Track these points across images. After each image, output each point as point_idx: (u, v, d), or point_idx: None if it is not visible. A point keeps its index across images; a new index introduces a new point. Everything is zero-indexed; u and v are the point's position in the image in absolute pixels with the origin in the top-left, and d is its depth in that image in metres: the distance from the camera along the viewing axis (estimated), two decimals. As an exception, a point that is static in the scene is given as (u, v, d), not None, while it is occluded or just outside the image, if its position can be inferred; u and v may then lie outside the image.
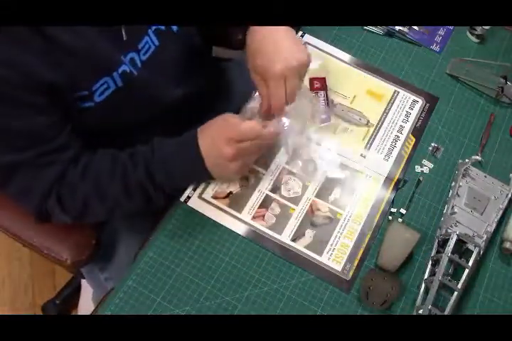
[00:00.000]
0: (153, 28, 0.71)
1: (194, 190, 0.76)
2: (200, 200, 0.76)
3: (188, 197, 0.76)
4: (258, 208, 0.76)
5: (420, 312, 0.69)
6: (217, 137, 0.66)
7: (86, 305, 1.19)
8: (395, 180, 0.82)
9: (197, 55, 0.81)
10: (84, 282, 1.20)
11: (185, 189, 0.76)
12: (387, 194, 0.80)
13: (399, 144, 0.86)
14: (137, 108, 0.74)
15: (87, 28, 0.61)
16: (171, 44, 0.74)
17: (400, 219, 0.79)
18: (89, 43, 0.62)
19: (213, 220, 0.75)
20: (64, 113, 0.65)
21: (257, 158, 0.75)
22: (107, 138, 0.72)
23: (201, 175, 0.71)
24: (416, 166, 0.84)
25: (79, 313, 1.29)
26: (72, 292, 1.37)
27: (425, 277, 0.73)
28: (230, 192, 0.77)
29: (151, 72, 0.72)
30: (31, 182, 0.65)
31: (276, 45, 0.69)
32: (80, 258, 0.77)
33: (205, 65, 0.86)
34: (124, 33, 0.66)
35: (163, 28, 0.72)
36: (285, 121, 0.73)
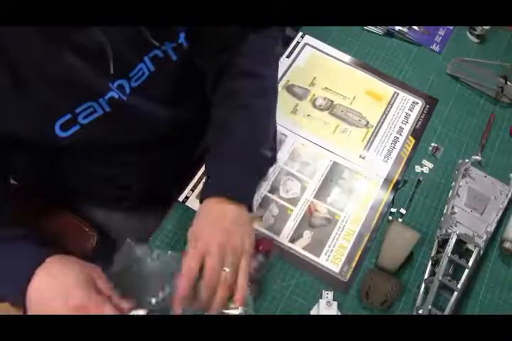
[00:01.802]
0: (151, 55, 0.68)
1: (192, 190, 0.76)
2: (198, 200, 0.76)
3: (187, 198, 0.76)
4: (256, 209, 0.76)
5: (420, 312, 0.69)
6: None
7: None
8: (394, 181, 0.82)
9: (191, 81, 0.78)
10: None
11: (183, 189, 0.76)
12: (386, 195, 0.80)
13: (398, 145, 0.86)
14: (126, 131, 0.71)
15: (72, 59, 0.59)
16: (166, 71, 0.71)
17: (399, 219, 0.79)
18: (70, 72, 0.59)
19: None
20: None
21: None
22: (92, 159, 0.70)
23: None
24: (416, 166, 0.84)
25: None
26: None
27: (425, 277, 0.73)
28: (230, 193, 0.77)
29: (141, 97, 0.69)
30: None
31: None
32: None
33: (198, 90, 0.84)
34: (111, 66, 0.62)
35: (161, 55, 0.69)
36: None
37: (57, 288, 0.56)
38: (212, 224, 0.62)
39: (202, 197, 0.65)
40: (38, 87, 0.58)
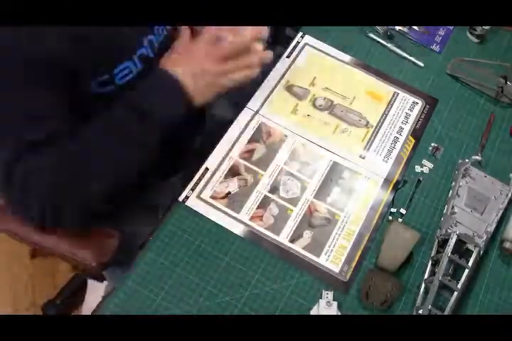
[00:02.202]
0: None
1: (192, 190, 0.76)
2: (198, 200, 0.76)
3: (187, 197, 0.76)
4: (256, 209, 0.76)
5: (420, 312, 0.69)
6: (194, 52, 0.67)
7: (91, 304, 1.18)
8: (394, 181, 0.82)
9: None
10: (90, 282, 1.19)
11: (183, 187, 0.76)
12: (386, 195, 0.80)
13: (398, 146, 0.86)
14: None
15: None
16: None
17: (399, 219, 0.79)
18: (108, 28, 0.62)
19: (212, 220, 0.75)
20: (72, 102, 0.63)
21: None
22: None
23: (173, 84, 0.66)
24: (416, 166, 0.84)
25: (83, 311, 1.28)
26: (73, 292, 1.37)
27: (425, 277, 0.73)
28: (229, 193, 0.77)
29: (165, 51, 0.72)
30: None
31: None
32: (104, 260, 0.75)
33: None
34: None
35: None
36: None
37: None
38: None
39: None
40: (89, 43, 0.61)
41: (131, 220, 0.87)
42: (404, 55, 0.95)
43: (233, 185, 0.77)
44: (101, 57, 0.63)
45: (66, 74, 0.60)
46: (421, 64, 0.94)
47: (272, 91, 0.87)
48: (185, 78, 0.66)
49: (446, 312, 0.69)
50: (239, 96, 0.87)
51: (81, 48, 0.60)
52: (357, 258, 0.75)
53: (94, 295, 1.18)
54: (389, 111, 0.88)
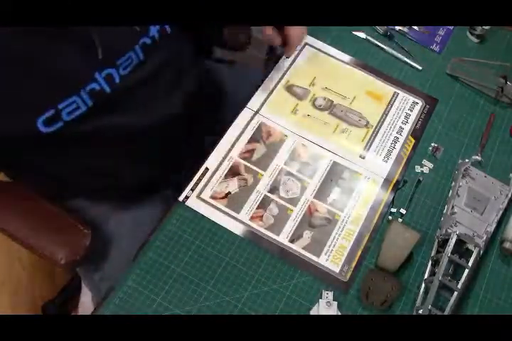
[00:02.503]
0: (141, 42, 0.68)
1: (192, 190, 0.76)
2: (199, 200, 0.76)
3: (187, 197, 0.76)
4: (256, 209, 0.76)
5: (420, 312, 0.69)
6: None
7: (86, 305, 1.19)
8: (394, 181, 0.82)
9: (181, 69, 0.78)
10: (84, 280, 1.20)
11: (184, 187, 0.76)
12: (386, 195, 0.80)
13: (398, 146, 0.86)
14: (113, 129, 0.70)
15: (57, 43, 0.58)
16: (155, 58, 0.71)
17: (399, 219, 0.79)
18: (57, 60, 0.58)
19: (212, 220, 0.75)
20: None
21: None
22: (77, 151, 0.69)
23: None
24: (416, 166, 0.84)
25: (79, 313, 1.29)
26: (73, 292, 1.37)
27: (425, 277, 0.73)
28: (229, 193, 0.77)
29: (130, 86, 0.69)
30: None
31: None
32: (75, 258, 0.76)
33: (191, 78, 0.83)
34: (100, 51, 0.61)
35: (148, 42, 0.69)
36: None
37: None
38: None
39: None
40: (20, 79, 0.56)
41: (105, 216, 0.87)
42: (404, 59, 0.95)
43: (233, 185, 0.77)
44: (43, 92, 0.59)
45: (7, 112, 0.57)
46: (419, 67, 0.94)
47: (272, 91, 0.87)
48: None
49: (446, 312, 0.69)
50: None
51: (21, 81, 0.57)
52: (357, 258, 0.75)
53: (87, 295, 1.19)
54: (389, 111, 0.89)
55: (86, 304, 1.21)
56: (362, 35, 0.96)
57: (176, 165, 0.88)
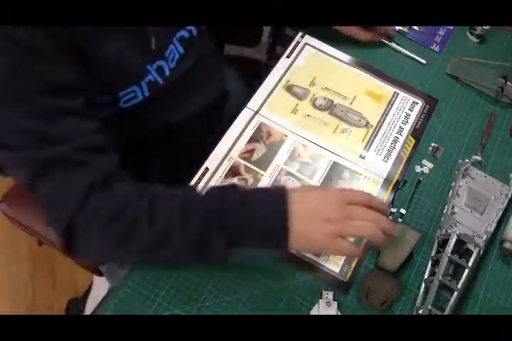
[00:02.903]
0: (178, 35, 0.70)
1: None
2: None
3: (188, 198, 0.76)
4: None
5: (420, 312, 0.69)
6: (322, 192, 0.62)
7: (95, 303, 1.19)
8: (394, 181, 0.82)
9: (213, 61, 0.82)
10: (95, 280, 1.20)
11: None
12: (386, 195, 0.80)
13: (398, 146, 0.86)
14: (161, 117, 0.73)
15: (115, 38, 0.61)
16: (193, 51, 0.74)
17: (399, 219, 0.79)
18: (117, 52, 0.61)
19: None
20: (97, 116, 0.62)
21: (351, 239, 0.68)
22: (127, 148, 0.69)
23: (277, 225, 0.58)
24: (416, 166, 0.84)
25: (86, 310, 1.28)
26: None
27: (425, 277, 0.73)
28: (230, 193, 0.77)
29: (176, 80, 0.72)
30: (65, 183, 0.57)
31: None
32: None
33: (221, 70, 0.86)
34: (153, 42, 0.64)
35: (186, 35, 0.72)
36: None
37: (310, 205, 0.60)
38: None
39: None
40: (95, 68, 0.59)
41: None
42: (406, 52, 0.95)
43: (233, 185, 0.77)
44: (106, 82, 0.62)
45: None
46: (423, 61, 0.94)
47: (271, 91, 0.87)
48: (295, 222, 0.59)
49: (446, 312, 0.69)
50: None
51: (85, 74, 0.59)
52: (357, 258, 0.75)
53: (98, 293, 1.19)
54: (389, 111, 0.89)
55: (93, 302, 1.20)
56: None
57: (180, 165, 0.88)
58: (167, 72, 0.70)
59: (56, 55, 0.56)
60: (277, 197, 0.60)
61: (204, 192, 0.61)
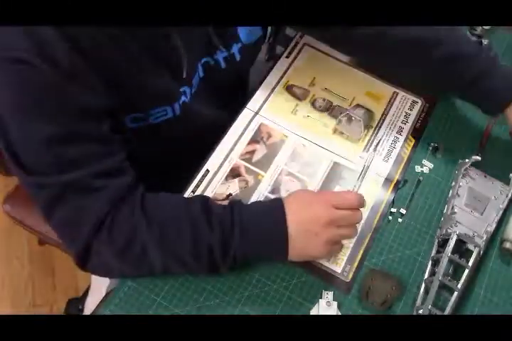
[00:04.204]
0: (203, 61, 0.73)
1: (193, 192, 0.76)
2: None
3: (188, 198, 0.76)
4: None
5: (420, 312, 0.69)
6: (311, 200, 0.65)
7: (94, 303, 1.19)
8: (395, 181, 0.82)
9: (238, 84, 0.85)
10: (94, 279, 1.19)
11: (184, 190, 0.76)
12: (387, 195, 0.80)
13: (398, 145, 0.86)
14: (184, 133, 0.75)
15: (150, 64, 0.63)
16: (214, 76, 0.76)
17: (399, 219, 0.79)
18: (152, 82, 0.64)
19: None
20: (119, 137, 0.64)
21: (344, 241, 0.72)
22: (149, 163, 0.71)
23: (278, 246, 0.64)
24: (416, 166, 0.84)
25: (85, 310, 1.28)
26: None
27: (425, 277, 0.73)
28: (230, 194, 0.77)
29: (198, 102, 0.75)
30: (81, 208, 0.60)
31: None
32: None
33: (244, 89, 0.90)
34: (184, 71, 0.67)
35: (212, 62, 0.74)
36: None
37: (305, 219, 0.64)
38: None
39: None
40: (122, 91, 0.61)
41: None
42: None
43: (234, 187, 0.77)
44: (137, 105, 0.65)
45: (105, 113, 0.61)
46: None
47: (271, 92, 0.87)
48: (294, 237, 0.64)
49: (446, 312, 0.69)
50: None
51: (117, 98, 0.61)
52: (358, 258, 0.75)
53: (97, 293, 1.18)
54: (388, 111, 0.89)
55: (93, 303, 1.20)
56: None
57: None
58: (188, 96, 0.73)
59: (91, 79, 0.57)
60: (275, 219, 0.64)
61: (210, 218, 0.63)
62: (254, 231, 0.63)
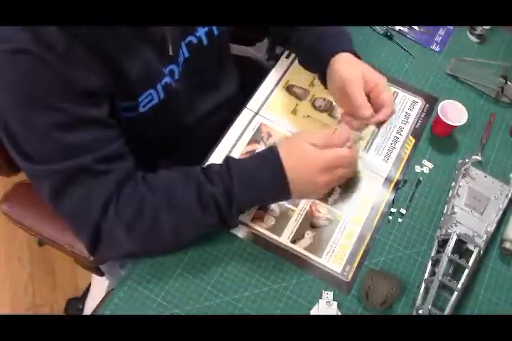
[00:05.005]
0: (187, 40, 0.73)
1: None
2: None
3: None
4: (257, 210, 0.76)
5: (420, 312, 0.69)
6: (302, 142, 0.66)
7: (94, 303, 1.19)
8: (395, 181, 0.82)
9: (222, 65, 0.83)
10: (94, 279, 1.19)
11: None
12: (387, 195, 0.80)
13: (398, 145, 0.86)
14: (173, 119, 0.75)
15: (142, 46, 0.63)
16: (199, 56, 0.75)
17: (399, 219, 0.79)
18: (143, 60, 0.64)
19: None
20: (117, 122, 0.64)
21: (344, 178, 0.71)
22: (142, 149, 0.71)
23: (281, 186, 0.65)
24: (416, 166, 0.84)
25: (85, 310, 1.28)
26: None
27: (425, 277, 0.73)
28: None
29: (184, 83, 0.74)
30: (88, 193, 0.61)
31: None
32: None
33: (229, 73, 0.88)
34: (170, 48, 0.67)
35: (195, 41, 0.74)
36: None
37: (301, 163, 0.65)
38: None
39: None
40: (113, 73, 0.61)
41: None
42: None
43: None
44: (129, 87, 0.64)
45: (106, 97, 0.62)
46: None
47: (271, 92, 0.87)
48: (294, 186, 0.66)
49: (446, 312, 0.69)
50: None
51: (113, 80, 0.61)
52: (359, 258, 0.75)
53: (97, 292, 1.19)
54: (389, 111, 0.88)
55: (93, 302, 1.20)
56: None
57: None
58: (177, 75, 0.72)
59: (87, 63, 0.57)
60: (274, 163, 0.65)
61: (211, 173, 0.66)
62: (253, 177, 0.65)
